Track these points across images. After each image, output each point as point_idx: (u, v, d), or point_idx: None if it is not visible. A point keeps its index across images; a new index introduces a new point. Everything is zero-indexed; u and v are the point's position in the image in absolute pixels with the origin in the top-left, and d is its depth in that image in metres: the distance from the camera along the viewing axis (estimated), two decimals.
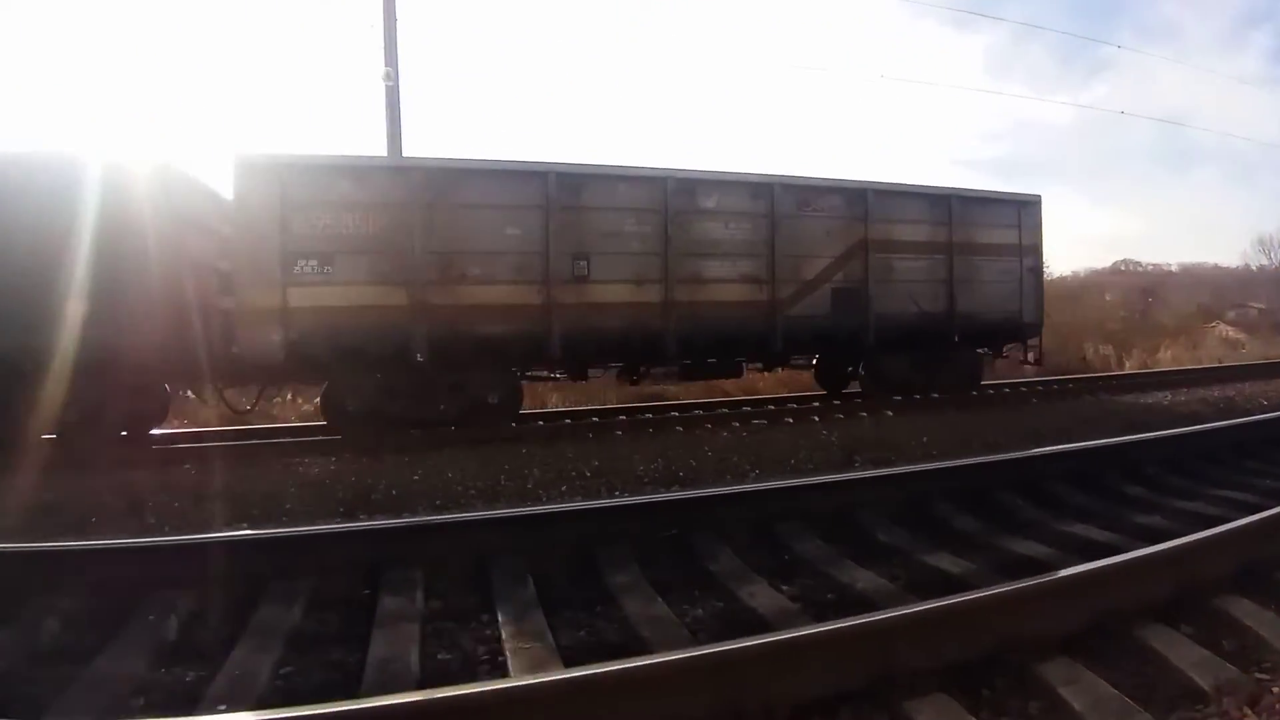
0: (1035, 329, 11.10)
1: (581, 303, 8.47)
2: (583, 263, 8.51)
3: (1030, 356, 11.40)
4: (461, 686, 1.93)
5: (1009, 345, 11.34)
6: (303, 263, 7.59)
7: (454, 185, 8.10)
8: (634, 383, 9.88)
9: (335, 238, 7.67)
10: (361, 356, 7.80)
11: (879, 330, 9.81)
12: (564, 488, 5.21)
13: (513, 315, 8.26)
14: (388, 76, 11.85)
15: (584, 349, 8.76)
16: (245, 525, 4.11)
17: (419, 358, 7.94)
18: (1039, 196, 11.03)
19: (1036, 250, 11.05)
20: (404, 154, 11.41)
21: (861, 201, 9.76)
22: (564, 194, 8.40)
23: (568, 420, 8.98)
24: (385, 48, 11.91)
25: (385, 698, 1.94)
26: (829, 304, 9.61)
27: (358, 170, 7.93)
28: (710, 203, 9.10)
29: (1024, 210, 10.85)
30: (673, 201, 8.79)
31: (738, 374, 10.36)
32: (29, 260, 6.77)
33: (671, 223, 8.78)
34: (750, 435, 7.26)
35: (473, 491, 5.15)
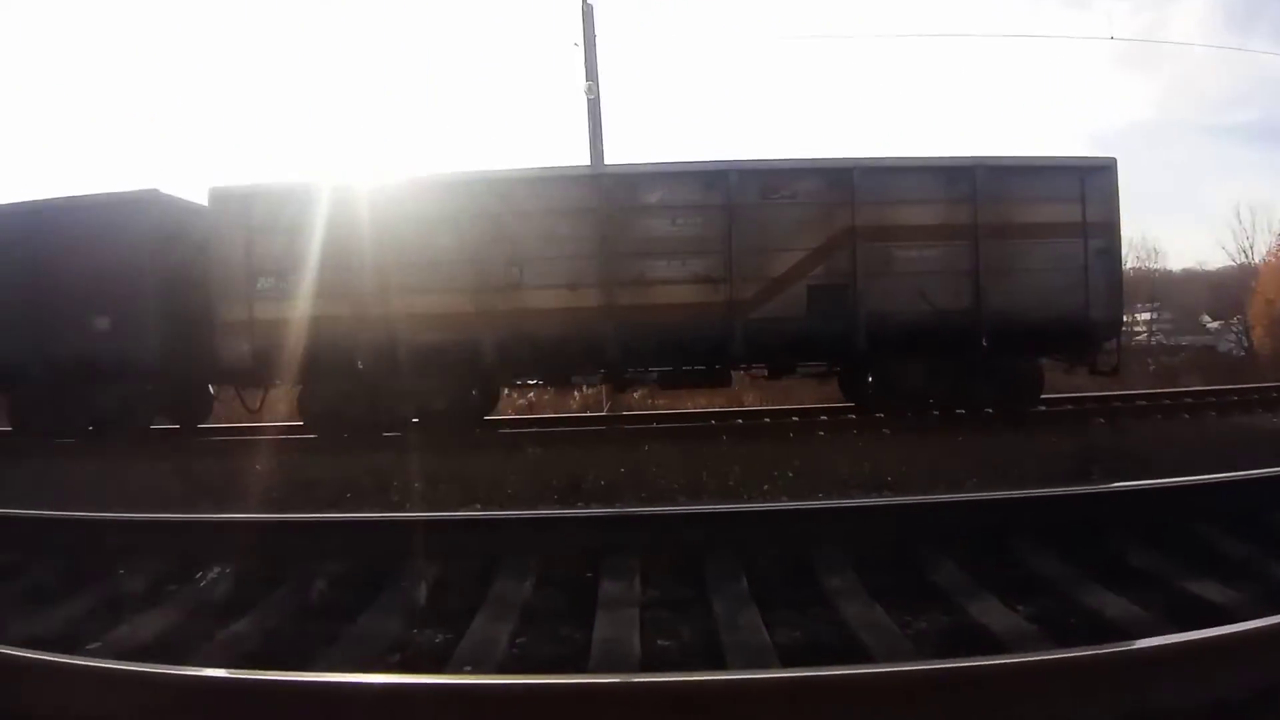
0: (1110, 329, 8.78)
1: (515, 309, 8.33)
2: (515, 269, 8.35)
3: (1101, 365, 8.88)
4: (690, 674, 2.01)
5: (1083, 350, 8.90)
6: (263, 279, 8.43)
7: (388, 200, 8.48)
8: (621, 390, 9.42)
9: (290, 256, 8.29)
10: (316, 363, 8.36)
11: (874, 333, 8.39)
12: (766, 487, 5.17)
13: (447, 324, 8.33)
14: (589, 90, 12.71)
15: (519, 356, 8.57)
16: (478, 506, 4.53)
17: (359, 365, 8.45)
18: (1112, 160, 8.75)
19: (1109, 228, 8.63)
20: (605, 161, 12.19)
21: (846, 183, 8.42)
22: (494, 201, 8.35)
23: (766, 420, 8.97)
24: (586, 64, 12.81)
25: (619, 676, 2.07)
26: (804, 304, 8.42)
27: (304, 193, 8.47)
28: (654, 198, 8.47)
29: (1089, 179, 8.54)
30: (610, 200, 8.36)
31: (725, 384, 9.44)
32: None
33: (609, 222, 8.33)
34: (967, 440, 6.86)
35: (675, 486, 5.27)
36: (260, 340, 8.43)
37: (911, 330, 8.36)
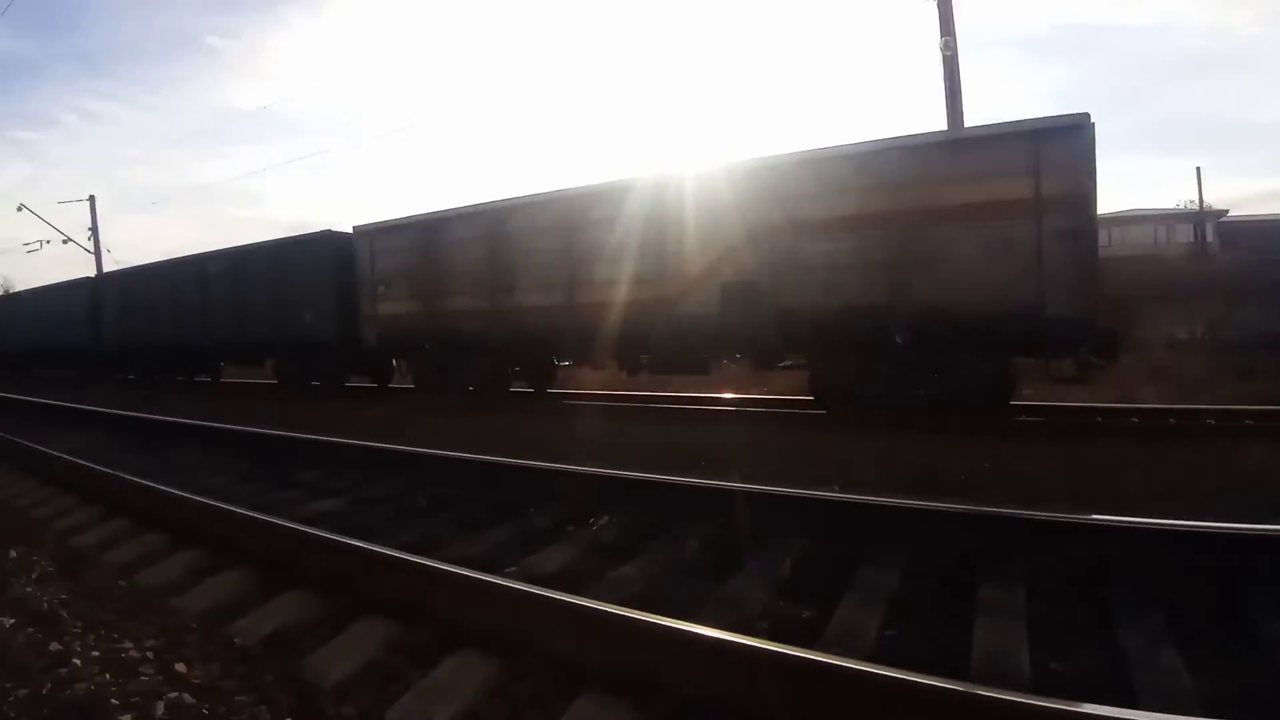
0: (1076, 327, 6.97)
1: (510, 307, 10.64)
2: (509, 277, 10.64)
3: (1056, 369, 7.39)
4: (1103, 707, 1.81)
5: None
6: (380, 287, 12.41)
7: (436, 229, 11.67)
8: (632, 373, 10.34)
9: (391, 270, 12.25)
10: (409, 345, 12.38)
11: (785, 329, 8.37)
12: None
13: (472, 318, 11.12)
14: (946, 46, 11.78)
15: (512, 344, 10.86)
16: (835, 487, 4.53)
17: (426, 347, 11.98)
18: (1082, 117, 6.93)
19: (1074, 204, 6.95)
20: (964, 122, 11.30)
21: (754, 181, 8.57)
22: (496, 226, 10.80)
23: (1171, 420, 7.59)
24: (940, 18, 11.86)
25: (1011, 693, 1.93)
26: (718, 300, 8.75)
27: (393, 227, 12.28)
28: (602, 213, 9.63)
29: (1045, 145, 7.02)
30: (574, 217, 9.88)
31: (703, 371, 9.94)
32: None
33: (573, 236, 9.88)
34: None
35: (1055, 489, 4.71)
36: (382, 328, 12.53)
37: (825, 325, 8.09)
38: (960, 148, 7.71)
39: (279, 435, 7.13)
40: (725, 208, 8.77)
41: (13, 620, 3.04)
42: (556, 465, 4.87)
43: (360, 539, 3.38)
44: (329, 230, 13.70)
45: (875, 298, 7.85)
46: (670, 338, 9.28)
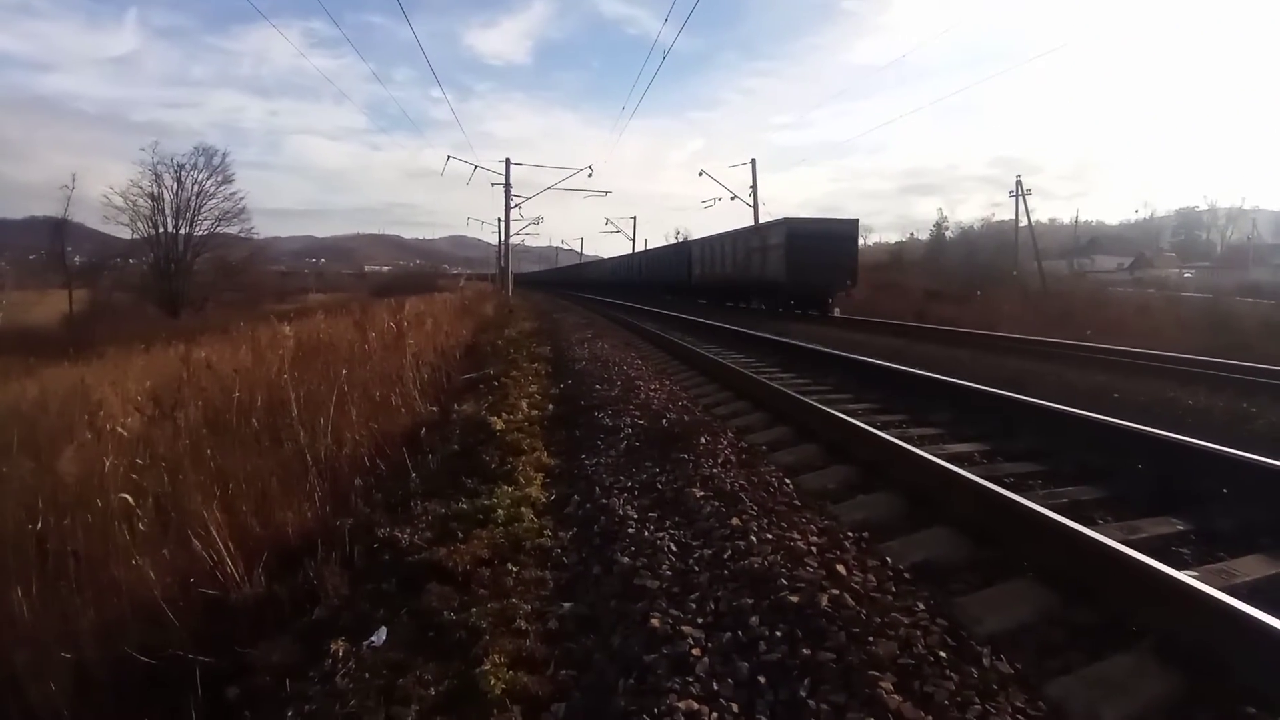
0: (789, 289, 22.22)
1: (719, 275, 28.22)
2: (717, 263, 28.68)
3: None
4: None
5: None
6: (694, 263, 32.26)
7: (704, 244, 31.48)
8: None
9: (694, 257, 32.19)
10: (703, 287, 30.50)
11: (747, 285, 25.20)
12: None
13: (711, 278, 29.53)
14: None
15: (722, 288, 28.23)
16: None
17: (705, 287, 30.20)
18: (783, 221, 23.32)
19: (788, 243, 21.72)
20: None
21: (745, 232, 27.06)
22: (708, 246, 30.89)
23: None
24: None
25: None
26: (742, 273, 25.79)
27: (694, 241, 34.09)
28: (727, 242, 28.07)
29: (780, 226, 23.26)
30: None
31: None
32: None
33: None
34: None
35: None
36: (693, 280, 31.04)
37: (750, 284, 24.98)
38: (767, 226, 24.35)
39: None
40: (742, 242, 25.39)
41: (702, 493, 3.77)
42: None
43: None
44: (689, 239, 31.86)
45: (753, 276, 23.66)
46: (743, 289, 24.82)
